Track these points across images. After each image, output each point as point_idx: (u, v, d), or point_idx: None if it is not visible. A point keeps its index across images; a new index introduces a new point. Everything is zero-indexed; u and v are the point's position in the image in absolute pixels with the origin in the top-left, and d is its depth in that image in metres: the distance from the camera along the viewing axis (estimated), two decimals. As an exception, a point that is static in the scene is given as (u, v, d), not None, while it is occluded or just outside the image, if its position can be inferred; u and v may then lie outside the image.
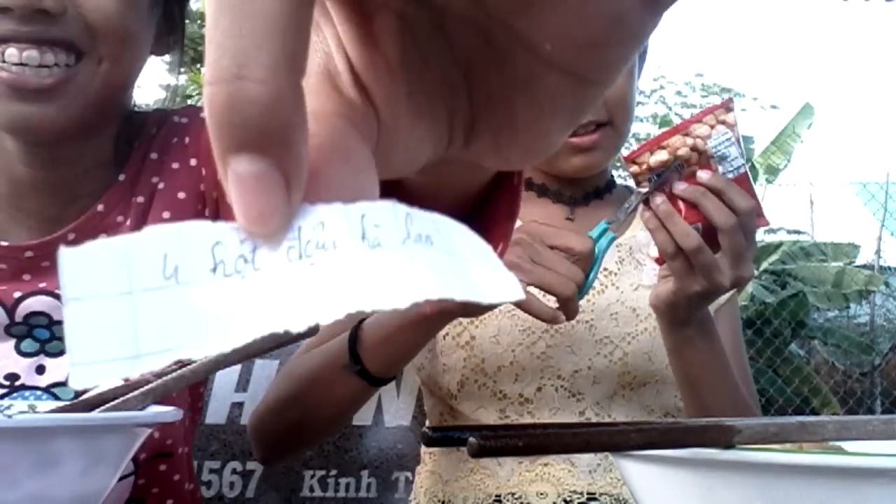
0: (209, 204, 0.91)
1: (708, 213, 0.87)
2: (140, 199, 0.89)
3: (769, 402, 5.72)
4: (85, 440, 0.60)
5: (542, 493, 0.98)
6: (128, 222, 0.88)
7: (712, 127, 0.90)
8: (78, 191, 0.88)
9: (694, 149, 0.90)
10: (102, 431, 0.61)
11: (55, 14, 0.76)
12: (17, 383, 0.85)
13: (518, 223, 0.87)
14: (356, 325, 0.92)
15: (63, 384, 0.86)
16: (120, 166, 0.90)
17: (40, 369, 0.86)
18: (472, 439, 0.41)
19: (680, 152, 0.90)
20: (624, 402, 1.02)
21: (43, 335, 0.87)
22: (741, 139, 0.91)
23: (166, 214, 0.89)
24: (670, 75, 13.57)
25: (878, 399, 6.31)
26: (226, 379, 1.49)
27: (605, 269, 1.07)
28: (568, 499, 0.97)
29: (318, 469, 1.29)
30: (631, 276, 1.09)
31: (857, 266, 6.59)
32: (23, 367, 0.85)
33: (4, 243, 0.85)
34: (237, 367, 1.78)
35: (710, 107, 0.92)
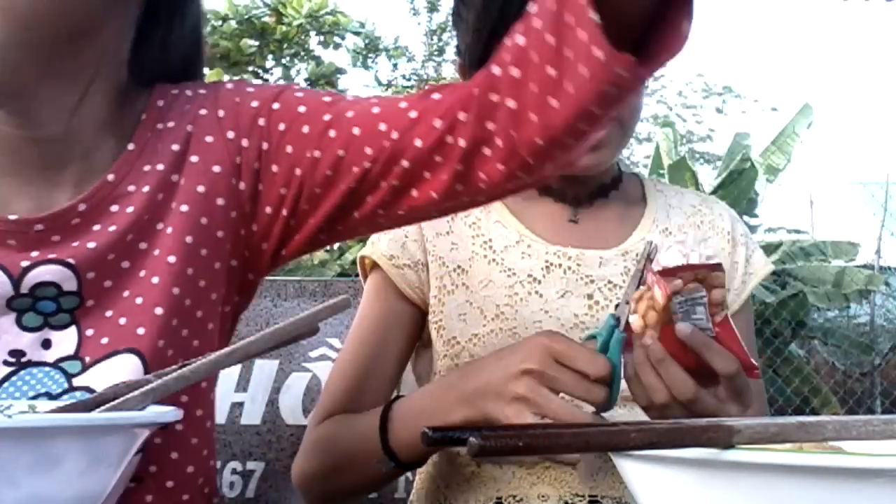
0: (246, 177, 0.87)
1: (712, 362, 0.80)
2: (160, 167, 0.86)
3: (769, 402, 5.71)
4: (85, 440, 0.60)
5: (543, 496, 0.96)
6: (144, 189, 0.85)
7: (686, 284, 0.83)
8: (74, 152, 0.85)
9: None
10: (102, 431, 0.61)
11: None
12: (24, 359, 0.83)
13: (525, 347, 0.84)
14: (384, 414, 0.96)
15: (71, 358, 0.82)
16: (132, 134, 0.87)
17: (46, 343, 0.83)
18: (472, 439, 0.41)
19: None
20: (625, 413, 1.00)
21: (48, 308, 0.83)
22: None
23: (201, 188, 0.86)
24: (671, 75, 13.57)
25: (878, 399, 6.31)
26: (226, 379, 1.49)
27: (610, 282, 1.05)
28: (570, 501, 0.96)
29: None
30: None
31: (857, 266, 6.59)
32: (27, 342, 0.83)
33: (13, 217, 0.82)
34: (237, 367, 1.78)
35: (696, 264, 0.84)
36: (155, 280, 0.84)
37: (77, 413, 0.69)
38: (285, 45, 11.91)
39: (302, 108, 0.88)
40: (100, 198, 0.85)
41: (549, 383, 0.83)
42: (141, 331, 0.83)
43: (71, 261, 0.82)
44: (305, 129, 0.87)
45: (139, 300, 0.83)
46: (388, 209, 0.87)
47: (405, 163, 0.84)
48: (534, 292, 1.03)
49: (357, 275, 1.19)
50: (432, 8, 12.00)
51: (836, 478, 0.39)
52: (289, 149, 0.87)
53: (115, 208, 0.85)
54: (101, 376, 0.80)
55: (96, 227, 0.84)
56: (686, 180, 6.06)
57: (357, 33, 12.57)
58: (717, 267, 0.84)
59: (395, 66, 12.92)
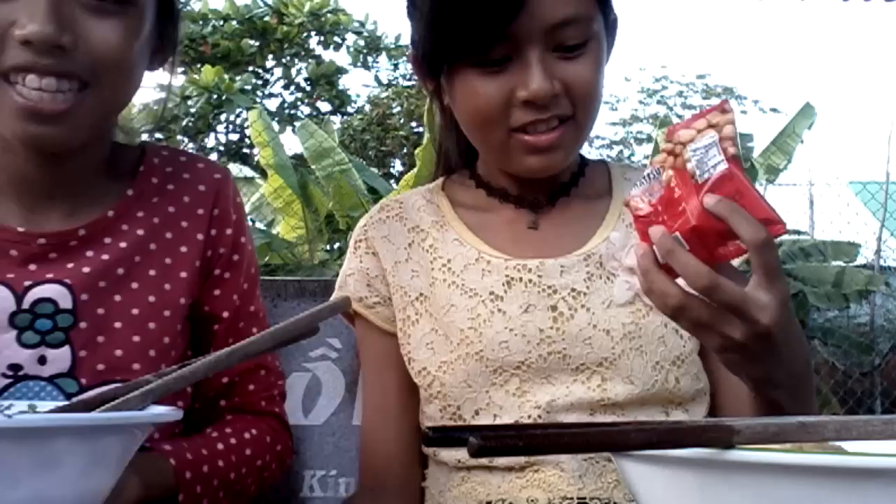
0: (203, 269, 1.04)
1: (738, 229, 0.72)
2: (155, 220, 1.03)
3: (769, 402, 5.71)
4: (85, 440, 0.60)
5: (532, 500, 0.95)
6: (138, 232, 1.00)
7: (699, 132, 0.78)
8: (83, 189, 1.00)
9: (671, 153, 0.78)
10: (102, 431, 0.62)
11: (69, 49, 0.88)
12: (21, 373, 0.92)
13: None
14: None
15: (65, 375, 0.92)
16: (130, 181, 1.03)
17: (42, 360, 0.93)
18: (472, 439, 0.41)
19: (666, 160, 0.79)
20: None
21: (44, 326, 0.93)
22: (737, 137, 0.78)
23: (183, 249, 1.03)
24: (672, 76, 13.57)
25: (878, 399, 6.31)
26: (226, 379, 1.48)
27: (573, 290, 1.00)
28: None
29: (318, 469, 1.29)
30: (602, 292, 1.01)
31: (857, 266, 6.59)
32: (24, 357, 0.92)
33: (21, 229, 0.95)
34: (237, 367, 1.76)
35: (704, 110, 0.82)
36: (151, 326, 0.97)
37: (77, 413, 0.69)
38: (286, 45, 11.91)
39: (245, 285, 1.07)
40: (98, 228, 0.99)
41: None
42: (136, 366, 0.96)
43: (68, 281, 0.95)
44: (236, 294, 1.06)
45: (136, 339, 0.97)
46: None
47: None
48: (496, 310, 0.99)
49: None
50: (433, 8, 11.96)
51: (836, 478, 0.39)
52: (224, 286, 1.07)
53: (108, 240, 0.99)
54: None
55: (89, 253, 0.97)
56: (686, 180, 6.05)
57: (358, 33, 12.57)
58: (725, 104, 0.79)
59: (395, 65, 12.92)
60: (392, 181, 9.04)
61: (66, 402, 0.73)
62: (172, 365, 0.94)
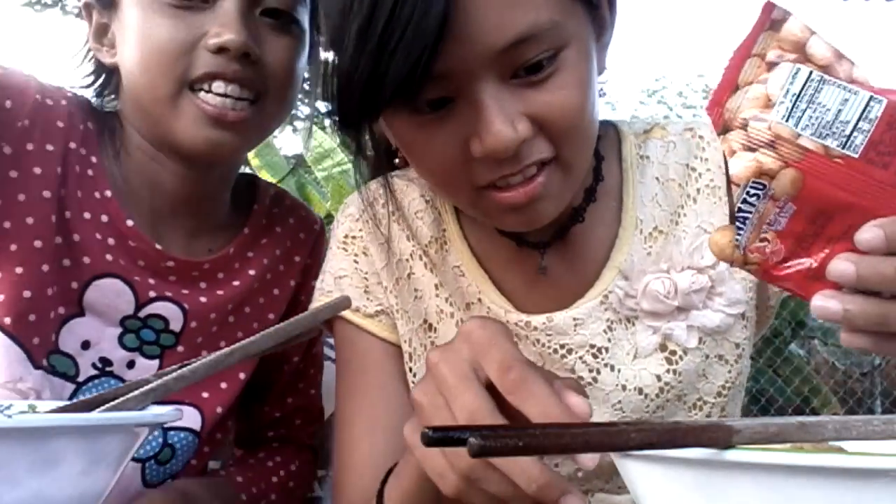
0: (291, 307, 1.12)
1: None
2: (265, 261, 1.09)
3: (769, 402, 5.72)
4: (85, 440, 0.60)
5: None
6: (250, 272, 1.07)
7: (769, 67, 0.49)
8: (209, 210, 1.06)
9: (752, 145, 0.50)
10: (102, 431, 0.61)
11: (254, 59, 0.94)
12: (108, 369, 0.98)
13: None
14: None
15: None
16: (245, 216, 1.10)
17: (131, 364, 0.99)
18: (472, 439, 0.40)
19: (764, 162, 0.49)
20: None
21: (148, 336, 1.00)
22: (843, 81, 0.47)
23: (276, 291, 1.10)
24: (671, 76, 13.56)
25: (878, 399, 6.30)
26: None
27: (592, 347, 0.85)
28: None
29: (318, 469, 1.29)
30: (624, 342, 0.85)
31: (858, 266, 6.58)
32: (118, 357, 0.98)
33: (159, 246, 1.01)
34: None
35: (736, 49, 0.50)
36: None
37: (77, 413, 0.69)
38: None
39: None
40: (219, 266, 1.06)
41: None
42: (205, 395, 1.02)
43: (185, 305, 1.01)
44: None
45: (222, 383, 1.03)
46: None
47: None
48: None
49: None
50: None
51: (836, 478, 0.39)
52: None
53: (221, 275, 1.05)
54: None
55: (203, 285, 1.03)
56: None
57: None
58: (771, 8, 0.49)
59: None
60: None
61: (66, 402, 0.73)
62: (233, 399, 1.05)
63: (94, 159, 0.99)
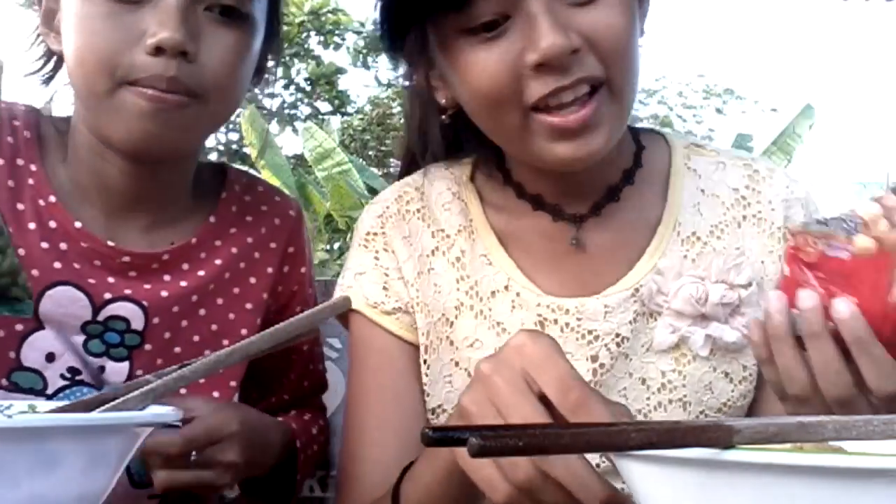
0: (273, 302, 1.07)
1: None
2: (234, 250, 1.05)
3: (769, 402, 5.71)
4: (85, 440, 0.60)
5: None
6: (216, 262, 1.03)
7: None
8: (166, 204, 1.02)
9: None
10: (102, 431, 0.61)
11: (190, 60, 0.90)
12: (78, 378, 0.96)
13: None
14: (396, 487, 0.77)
15: None
16: (211, 206, 1.06)
17: (101, 369, 0.97)
18: (472, 439, 0.40)
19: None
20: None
21: (112, 339, 0.97)
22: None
23: (252, 280, 1.06)
24: (671, 76, 13.59)
25: (879, 399, 6.30)
26: (226, 379, 1.48)
27: (617, 336, 0.87)
28: None
29: (318, 469, 1.29)
30: (642, 335, 0.88)
31: (858, 266, 6.58)
32: (86, 365, 0.96)
33: (111, 243, 0.97)
34: (237, 367, 1.76)
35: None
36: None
37: (77, 413, 0.69)
38: (286, 45, 11.92)
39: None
40: (180, 254, 1.01)
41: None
42: (183, 391, 0.99)
43: (144, 303, 0.98)
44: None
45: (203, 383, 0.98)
46: None
47: None
48: None
49: None
50: (433, 8, 12.00)
51: (836, 478, 0.39)
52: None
53: (186, 266, 1.01)
54: None
55: (167, 278, 1.00)
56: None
57: (358, 33, 12.57)
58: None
59: (395, 65, 12.93)
60: (392, 181, 9.04)
61: (66, 403, 0.73)
62: (227, 394, 1.03)
63: (33, 167, 0.97)
